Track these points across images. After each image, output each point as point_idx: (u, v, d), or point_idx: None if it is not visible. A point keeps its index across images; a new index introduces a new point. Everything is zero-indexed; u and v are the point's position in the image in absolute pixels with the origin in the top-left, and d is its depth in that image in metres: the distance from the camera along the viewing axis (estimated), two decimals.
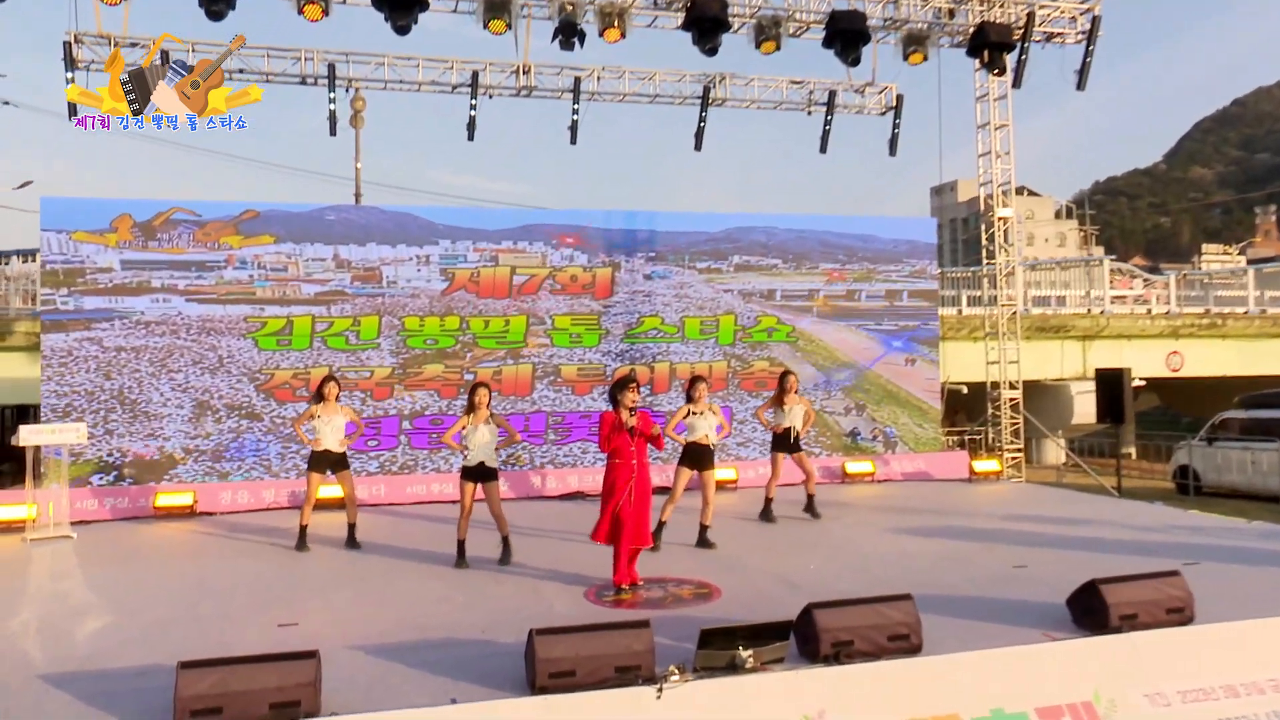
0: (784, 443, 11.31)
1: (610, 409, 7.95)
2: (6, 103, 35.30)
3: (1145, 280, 24.93)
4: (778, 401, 11.36)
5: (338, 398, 10.06)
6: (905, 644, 6.01)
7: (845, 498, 13.10)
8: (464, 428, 9.05)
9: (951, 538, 10.10)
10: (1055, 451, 24.37)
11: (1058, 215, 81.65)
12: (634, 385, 7.84)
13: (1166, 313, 24.52)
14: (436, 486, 13.19)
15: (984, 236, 17.06)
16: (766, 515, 11.23)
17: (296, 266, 13.27)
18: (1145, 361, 23.59)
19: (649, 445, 7.95)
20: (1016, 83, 14.70)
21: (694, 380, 9.86)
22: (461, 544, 9.09)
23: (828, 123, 16.02)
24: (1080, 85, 14.45)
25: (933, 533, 10.41)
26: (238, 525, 11.52)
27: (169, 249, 12.88)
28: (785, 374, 11.45)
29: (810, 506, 11.38)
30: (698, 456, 9.78)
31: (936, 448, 15.48)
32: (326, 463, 9.84)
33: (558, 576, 8.56)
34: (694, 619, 6.93)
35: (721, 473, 13.55)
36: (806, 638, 6.02)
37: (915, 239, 15.71)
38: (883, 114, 16.58)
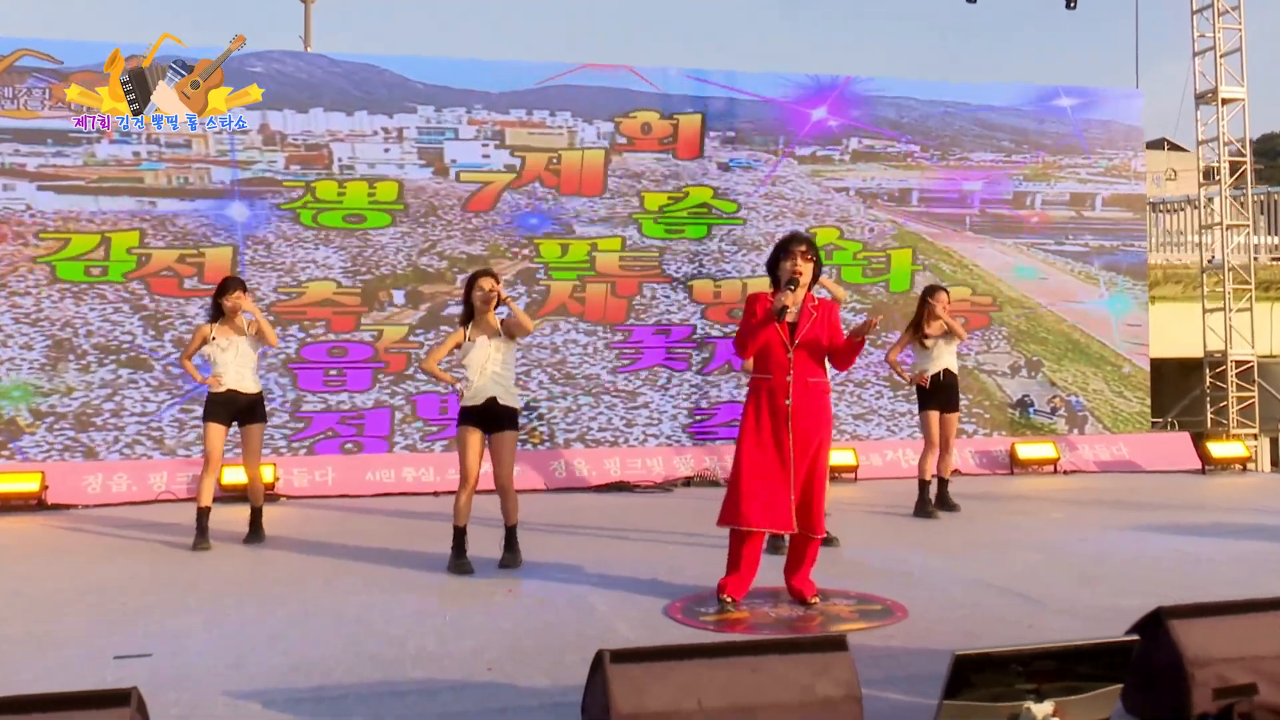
0: (937, 396, 9.27)
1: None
2: None
3: None
4: (916, 330, 9.23)
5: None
6: None
7: (1025, 490, 10.80)
8: (458, 345, 6.86)
9: (1239, 536, 7.80)
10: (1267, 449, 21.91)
11: (1208, 176, 78.96)
12: (804, 249, 5.67)
13: None
14: (412, 472, 10.98)
15: (1196, 132, 14.67)
16: (923, 509, 9.06)
17: (205, 141, 11.08)
18: None
19: (825, 362, 5.80)
20: None
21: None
22: (461, 533, 6.91)
23: None
24: None
25: (1203, 531, 8.12)
26: (106, 520, 9.32)
27: (13, 112, 10.71)
28: (931, 290, 9.26)
29: (943, 494, 9.26)
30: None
31: (1143, 427, 13.12)
32: (231, 410, 7.86)
33: (611, 583, 6.35)
34: (875, 649, 4.79)
35: (836, 455, 11.44)
36: (1152, 675, 3.68)
37: (1111, 119, 13.36)
38: None
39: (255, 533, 8.00)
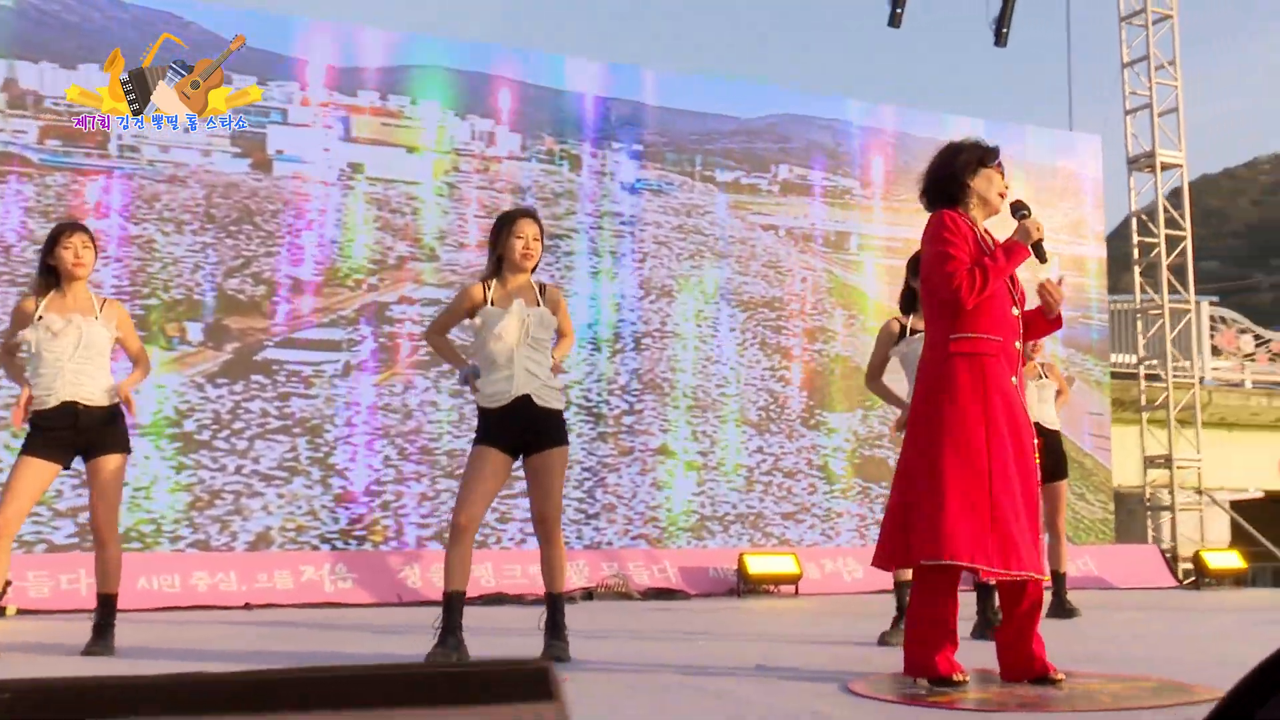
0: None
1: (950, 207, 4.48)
2: None
3: (1258, 338, 23.36)
4: None
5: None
6: None
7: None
8: (473, 310, 5.15)
9: None
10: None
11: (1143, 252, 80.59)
12: (1001, 164, 4.54)
13: None
14: (205, 578, 8.80)
15: (1130, 201, 14.48)
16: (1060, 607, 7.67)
17: None
18: (1250, 464, 21.85)
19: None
20: None
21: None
22: (455, 602, 5.03)
23: None
24: None
25: None
26: None
27: None
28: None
29: (1062, 599, 7.83)
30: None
31: (1107, 537, 12.42)
32: (67, 438, 5.51)
33: (713, 673, 4.63)
34: None
35: (774, 561, 10.19)
36: None
37: (1066, 167, 12.93)
38: None
39: (104, 638, 5.63)
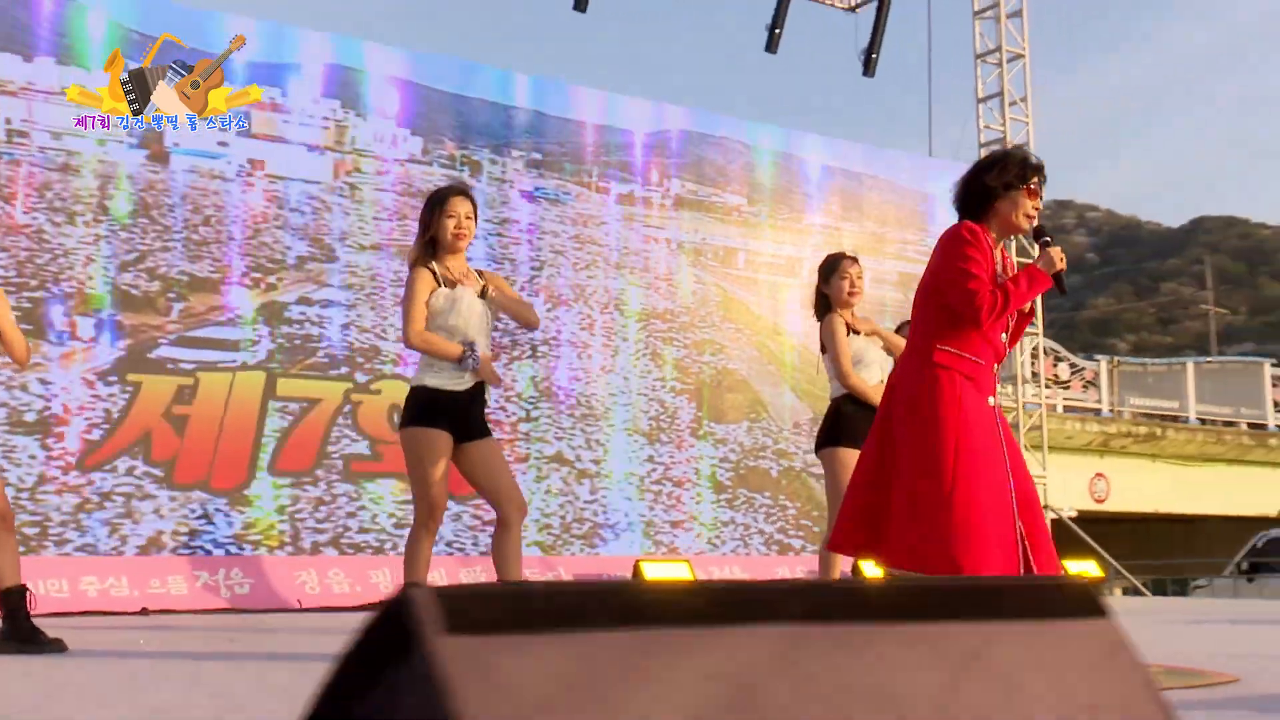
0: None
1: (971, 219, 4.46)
2: None
3: (1073, 366, 24.59)
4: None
5: None
6: None
7: None
8: (432, 290, 5.17)
9: None
10: None
11: None
12: (1036, 185, 4.37)
13: (1097, 415, 24.18)
14: (94, 583, 8.50)
15: None
16: None
17: None
18: (1066, 485, 22.94)
19: None
20: None
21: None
22: None
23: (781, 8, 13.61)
24: None
25: None
26: None
27: None
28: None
29: None
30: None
31: None
32: None
33: None
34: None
35: (669, 569, 10.28)
36: None
37: (938, 196, 13.39)
38: (852, 9, 14.44)
39: (32, 635, 5.29)
